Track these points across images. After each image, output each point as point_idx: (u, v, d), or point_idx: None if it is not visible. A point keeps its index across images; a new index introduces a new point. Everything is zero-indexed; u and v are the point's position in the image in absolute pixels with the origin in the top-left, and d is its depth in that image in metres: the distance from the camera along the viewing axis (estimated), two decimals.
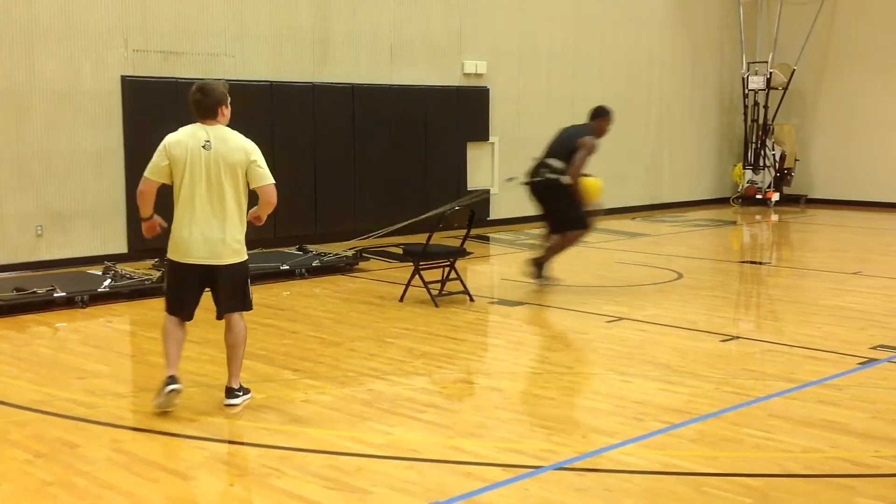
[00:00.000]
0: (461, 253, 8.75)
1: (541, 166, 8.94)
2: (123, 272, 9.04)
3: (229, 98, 5.57)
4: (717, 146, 18.30)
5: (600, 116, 9.04)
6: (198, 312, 7.99)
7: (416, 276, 8.43)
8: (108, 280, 8.76)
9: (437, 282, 8.54)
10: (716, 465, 4.61)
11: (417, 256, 8.45)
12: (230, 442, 5.00)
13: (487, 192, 8.02)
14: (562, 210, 8.93)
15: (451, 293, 8.58)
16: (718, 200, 18.06)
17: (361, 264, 10.44)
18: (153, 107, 10.65)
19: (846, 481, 4.38)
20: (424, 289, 8.40)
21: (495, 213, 14.26)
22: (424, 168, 13.15)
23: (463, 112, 13.64)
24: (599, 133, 9.01)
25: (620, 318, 7.89)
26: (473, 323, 7.95)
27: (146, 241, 10.45)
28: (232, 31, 11.36)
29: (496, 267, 11.27)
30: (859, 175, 17.52)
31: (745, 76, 17.83)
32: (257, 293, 8.81)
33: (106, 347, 7.11)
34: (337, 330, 7.51)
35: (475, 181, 14.04)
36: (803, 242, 13.83)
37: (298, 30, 11.97)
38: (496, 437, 4.97)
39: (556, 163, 8.82)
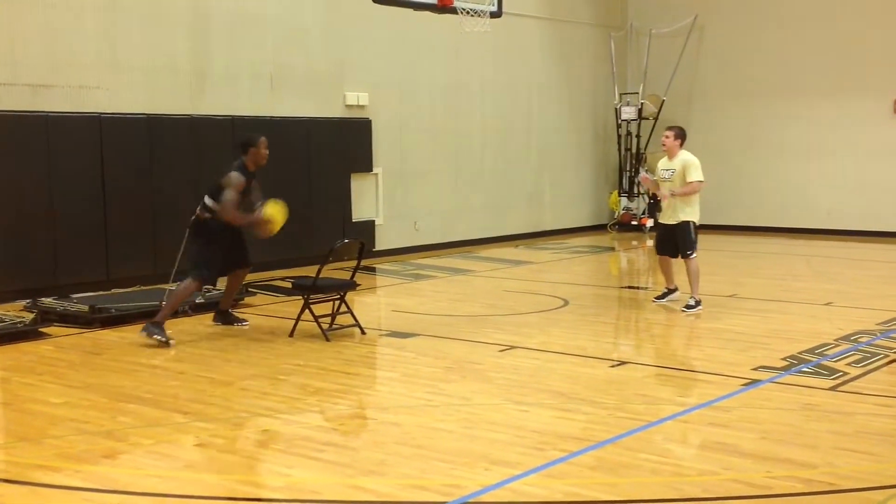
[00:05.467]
0: (351, 286, 8.67)
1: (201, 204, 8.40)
2: None
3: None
4: (594, 174, 18.78)
5: (247, 146, 8.37)
6: (77, 356, 7.71)
7: (307, 310, 8.29)
8: None
9: (327, 315, 8.43)
10: (616, 492, 4.66)
11: (307, 290, 8.31)
12: (119, 492, 4.75)
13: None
14: (192, 252, 8.43)
15: (341, 326, 8.48)
16: (596, 227, 18.51)
17: (248, 299, 10.22)
18: (22, 142, 10.22)
19: (742, 503, 4.49)
20: (315, 323, 8.27)
21: (380, 244, 14.22)
22: (309, 199, 13.00)
23: (346, 143, 13.59)
24: (253, 163, 8.37)
25: (512, 347, 7.95)
26: (366, 356, 7.87)
27: (15, 283, 10.08)
28: (104, 62, 11.00)
29: (384, 298, 11.22)
30: (728, 200, 18.24)
31: (618, 107, 18.40)
32: (134, 333, 8.52)
33: None
34: (226, 369, 7.30)
35: (360, 212, 13.98)
36: (678, 267, 14.25)
37: (175, 60, 11.70)
38: (398, 474, 4.91)
39: (209, 201, 8.31)
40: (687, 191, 9.45)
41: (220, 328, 8.77)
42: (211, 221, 8.32)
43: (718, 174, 18.36)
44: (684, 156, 9.53)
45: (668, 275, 9.98)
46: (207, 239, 8.33)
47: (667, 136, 9.61)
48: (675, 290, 9.94)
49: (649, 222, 17.87)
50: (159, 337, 8.08)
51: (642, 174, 10.41)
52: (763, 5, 17.70)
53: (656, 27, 18.38)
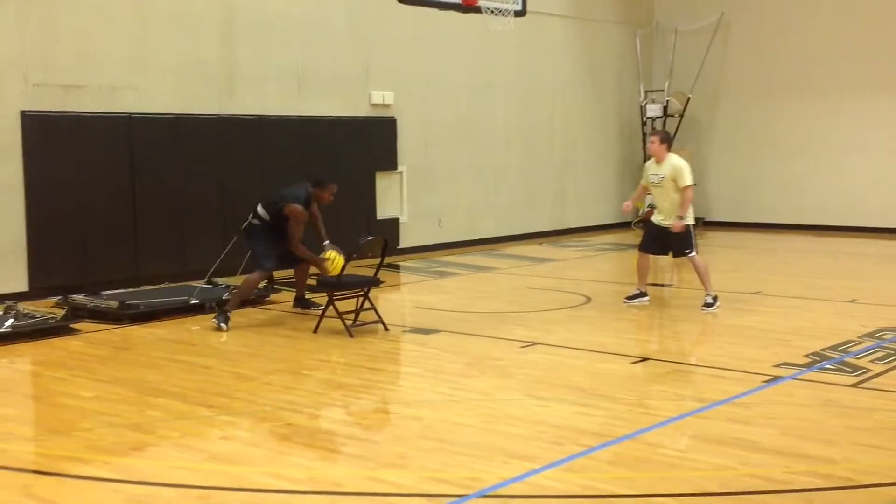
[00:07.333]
0: (375, 282, 8.77)
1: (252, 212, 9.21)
2: (25, 311, 8.75)
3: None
4: (618, 172, 18.76)
5: (318, 184, 9.11)
6: (106, 351, 7.87)
7: (331, 306, 8.40)
8: (10, 320, 8.45)
9: (351, 312, 8.53)
10: (634, 487, 4.72)
11: (332, 287, 8.42)
12: (146, 483, 4.87)
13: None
14: (252, 251, 9.28)
15: (365, 323, 8.58)
16: (620, 224, 18.49)
17: (273, 296, 10.35)
18: (55, 142, 10.40)
19: (759, 498, 4.53)
20: (339, 319, 8.37)
21: (404, 241, 14.32)
22: (334, 197, 13.08)
23: (371, 142, 13.69)
24: (316, 199, 9.12)
25: (534, 343, 8.01)
26: (389, 352, 7.97)
27: (47, 280, 10.27)
28: (134, 63, 11.16)
29: (407, 295, 11.31)
30: (753, 197, 18.20)
31: (643, 104, 18.38)
32: (166, 328, 8.73)
33: (11, 389, 6.87)
34: (251, 363, 7.42)
35: (384, 210, 14.09)
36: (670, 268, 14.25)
37: (204, 61, 11.84)
38: (419, 467, 4.99)
39: (261, 210, 9.09)
40: (686, 204, 9.40)
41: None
42: (258, 227, 9.09)
43: (743, 171, 18.36)
44: (673, 160, 9.50)
45: (643, 275, 9.91)
46: (259, 238, 9.11)
47: (652, 142, 9.66)
48: (646, 295, 9.86)
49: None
50: (220, 323, 8.70)
51: (624, 205, 10.21)
52: (789, 2, 17.61)
53: (682, 24, 18.32)
